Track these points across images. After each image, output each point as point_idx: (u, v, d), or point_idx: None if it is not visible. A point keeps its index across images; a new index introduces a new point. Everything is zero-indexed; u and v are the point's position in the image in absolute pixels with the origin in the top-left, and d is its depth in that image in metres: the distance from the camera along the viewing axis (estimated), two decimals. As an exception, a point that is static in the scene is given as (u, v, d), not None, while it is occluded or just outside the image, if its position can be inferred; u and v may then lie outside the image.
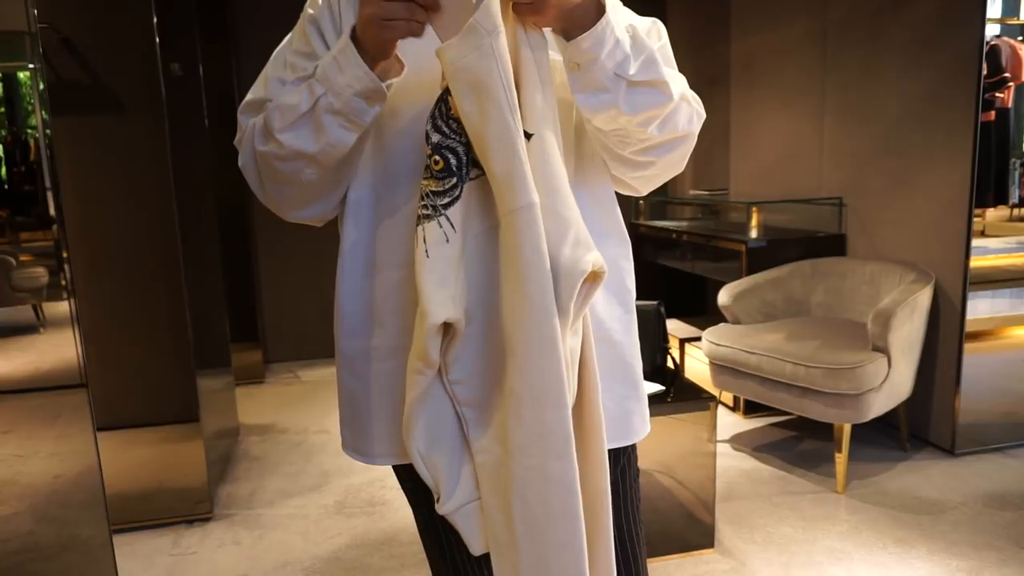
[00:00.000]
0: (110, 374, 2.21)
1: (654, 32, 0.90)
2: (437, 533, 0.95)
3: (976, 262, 2.54)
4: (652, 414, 0.99)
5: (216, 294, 2.92)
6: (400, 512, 2.31)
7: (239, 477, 2.65)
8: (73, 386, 1.72)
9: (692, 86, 0.89)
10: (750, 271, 2.97)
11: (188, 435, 2.30)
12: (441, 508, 0.82)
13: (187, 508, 2.31)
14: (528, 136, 0.75)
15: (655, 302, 2.13)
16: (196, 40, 2.71)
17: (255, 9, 3.78)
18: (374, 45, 0.76)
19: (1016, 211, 3.60)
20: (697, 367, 3.24)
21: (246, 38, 3.77)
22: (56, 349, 1.74)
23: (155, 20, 2.07)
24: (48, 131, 1.71)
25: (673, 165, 0.91)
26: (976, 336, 2.60)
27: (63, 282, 1.74)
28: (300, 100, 0.79)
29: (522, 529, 0.76)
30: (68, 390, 1.74)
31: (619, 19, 0.78)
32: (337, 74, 0.77)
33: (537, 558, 0.76)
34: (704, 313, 3.97)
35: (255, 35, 3.77)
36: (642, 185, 0.95)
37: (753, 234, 3.18)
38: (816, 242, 3.10)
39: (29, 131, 1.79)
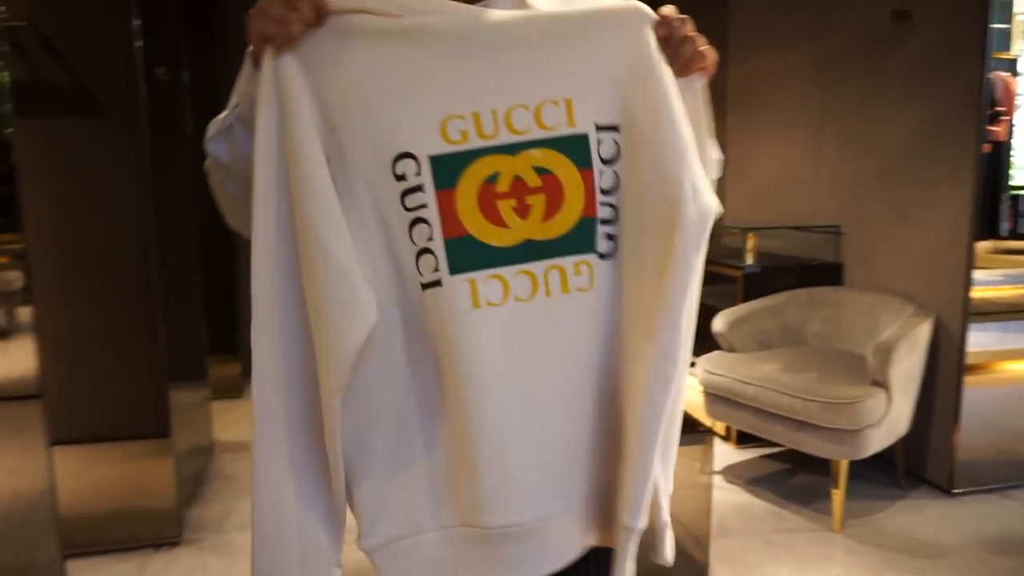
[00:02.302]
0: (79, 385, 2.12)
1: None
2: None
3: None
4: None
5: (194, 304, 2.83)
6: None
7: (211, 498, 2.53)
8: (30, 397, 1.64)
9: None
10: (746, 297, 2.92)
11: (158, 452, 2.20)
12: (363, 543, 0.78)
13: (154, 531, 2.20)
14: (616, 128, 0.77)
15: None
16: (182, 46, 2.66)
17: (243, 16, 3.72)
18: (252, 38, 0.74)
19: (1002, 244, 3.59)
20: (691, 396, 3.18)
21: (234, 46, 3.70)
22: (26, 357, 1.67)
23: (139, 23, 2.00)
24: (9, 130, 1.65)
25: None
26: (968, 370, 2.55)
27: (27, 289, 1.67)
28: (227, 113, 0.81)
29: None
30: (26, 401, 1.66)
31: None
32: (242, 82, 0.78)
33: None
34: (698, 339, 3.91)
35: (243, 44, 3.70)
36: None
37: (749, 260, 3.13)
38: (812, 270, 3.05)
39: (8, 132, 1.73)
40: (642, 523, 0.78)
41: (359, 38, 0.72)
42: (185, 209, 2.67)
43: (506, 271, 0.74)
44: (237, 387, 3.74)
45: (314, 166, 0.71)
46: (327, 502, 0.76)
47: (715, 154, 0.88)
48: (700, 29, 0.79)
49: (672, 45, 0.76)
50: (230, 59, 3.66)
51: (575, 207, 0.75)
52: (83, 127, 2.03)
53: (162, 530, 2.20)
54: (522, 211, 0.74)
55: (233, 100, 0.80)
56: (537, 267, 0.75)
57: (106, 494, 2.18)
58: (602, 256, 0.77)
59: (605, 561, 0.85)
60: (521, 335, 0.74)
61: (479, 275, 0.73)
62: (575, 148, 0.75)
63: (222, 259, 3.65)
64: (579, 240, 0.76)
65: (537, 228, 0.75)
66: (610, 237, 0.78)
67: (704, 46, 0.77)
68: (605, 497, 0.82)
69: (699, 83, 0.80)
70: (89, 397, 2.14)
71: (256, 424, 0.73)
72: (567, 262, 0.75)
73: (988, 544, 2.21)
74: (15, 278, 1.76)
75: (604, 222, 0.77)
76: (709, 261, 3.04)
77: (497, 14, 0.74)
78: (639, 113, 0.76)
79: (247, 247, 0.73)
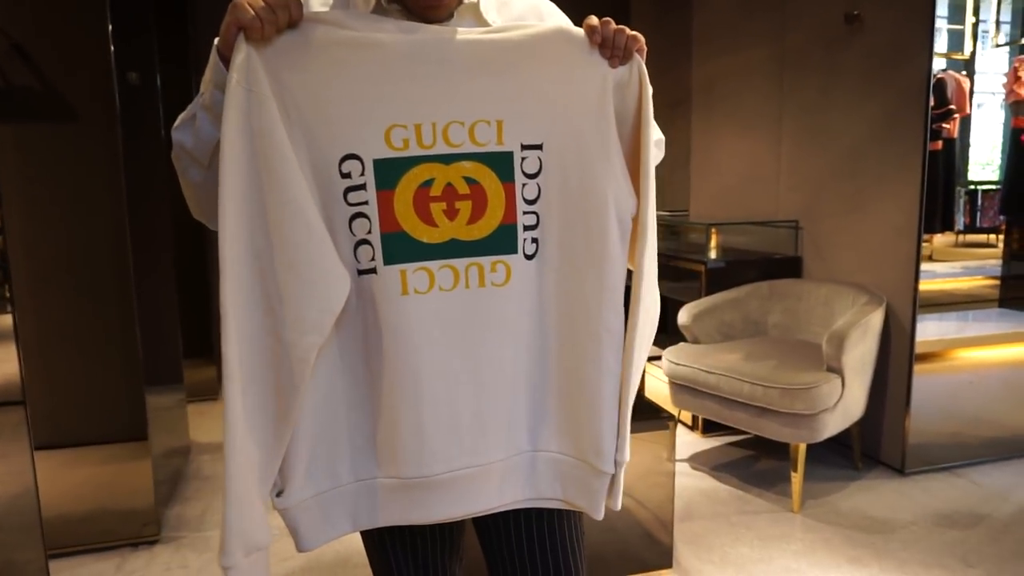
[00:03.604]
0: (55, 390, 2.12)
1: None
2: (386, 554, 1.01)
3: (924, 286, 2.61)
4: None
5: (169, 307, 2.84)
6: (355, 534, 2.25)
7: (189, 498, 2.56)
8: (12, 403, 1.66)
9: (654, 109, 0.92)
10: (709, 291, 3.02)
11: (136, 454, 2.22)
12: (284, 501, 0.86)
13: (133, 531, 2.22)
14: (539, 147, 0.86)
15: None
16: (154, 50, 2.66)
17: (215, 21, 3.72)
18: (223, 27, 0.79)
19: (961, 237, 3.73)
20: (657, 386, 3.27)
21: (206, 50, 3.71)
22: (-2, 364, 1.67)
23: (111, 28, 2.03)
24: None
25: None
26: (924, 358, 2.67)
27: (7, 294, 1.68)
28: (193, 103, 0.88)
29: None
30: (7, 407, 1.67)
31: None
32: (206, 71, 0.85)
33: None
34: (664, 332, 4.01)
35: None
36: None
37: (712, 255, 3.23)
38: (773, 264, 3.16)
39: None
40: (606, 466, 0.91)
41: (320, 46, 0.80)
42: (158, 212, 2.68)
43: (433, 264, 0.84)
44: (212, 389, 3.75)
45: (288, 146, 0.79)
46: (266, 456, 0.83)
47: (657, 134, 0.96)
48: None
49: (608, 44, 0.86)
50: (202, 63, 3.67)
51: (496, 214, 0.85)
52: (56, 132, 2.03)
53: (140, 529, 2.23)
54: (451, 214, 0.84)
55: (200, 90, 0.86)
56: (460, 263, 0.85)
57: (85, 496, 2.18)
58: (528, 257, 0.87)
59: (537, 521, 0.98)
60: (443, 320, 0.84)
61: (409, 266, 0.83)
62: (501, 164, 0.84)
63: (195, 264, 3.65)
64: (499, 243, 0.86)
65: (462, 230, 0.85)
66: (534, 240, 0.88)
67: (632, 32, 0.87)
68: (530, 460, 0.92)
69: (639, 62, 0.89)
70: (66, 401, 2.14)
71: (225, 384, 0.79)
72: (486, 261, 0.86)
73: (936, 519, 2.33)
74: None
75: (528, 228, 0.87)
76: (674, 256, 3.12)
77: (445, 38, 0.82)
78: (565, 132, 0.86)
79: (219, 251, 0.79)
